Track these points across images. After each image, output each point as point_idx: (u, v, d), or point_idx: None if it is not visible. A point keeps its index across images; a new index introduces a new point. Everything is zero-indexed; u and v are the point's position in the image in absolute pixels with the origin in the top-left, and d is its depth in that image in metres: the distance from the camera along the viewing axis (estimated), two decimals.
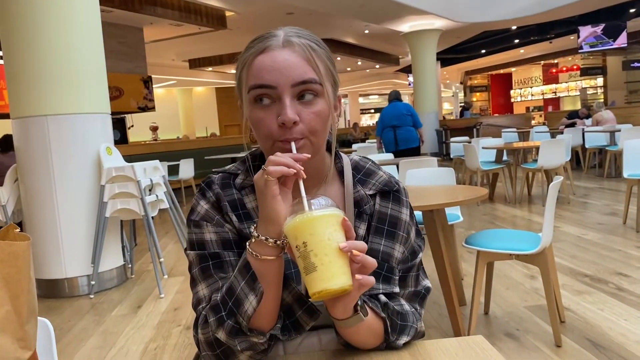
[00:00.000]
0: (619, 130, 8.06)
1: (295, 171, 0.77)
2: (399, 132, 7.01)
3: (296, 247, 0.75)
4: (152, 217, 4.02)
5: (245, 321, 0.83)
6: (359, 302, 0.83)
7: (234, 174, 0.98)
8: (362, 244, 0.77)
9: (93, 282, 3.99)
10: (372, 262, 0.77)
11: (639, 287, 3.29)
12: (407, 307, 0.95)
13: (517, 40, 17.46)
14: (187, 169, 8.89)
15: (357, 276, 0.75)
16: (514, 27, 15.87)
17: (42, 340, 0.98)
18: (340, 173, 1.00)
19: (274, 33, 0.89)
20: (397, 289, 0.95)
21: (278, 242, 0.80)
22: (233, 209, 0.94)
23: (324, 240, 0.74)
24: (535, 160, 6.52)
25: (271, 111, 0.86)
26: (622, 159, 4.98)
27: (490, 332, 2.81)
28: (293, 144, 0.84)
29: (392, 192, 0.99)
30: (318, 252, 0.74)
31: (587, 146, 8.98)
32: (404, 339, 0.92)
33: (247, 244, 0.82)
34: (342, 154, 1.01)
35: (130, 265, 4.50)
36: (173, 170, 8.50)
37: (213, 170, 1.01)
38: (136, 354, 2.88)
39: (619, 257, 3.98)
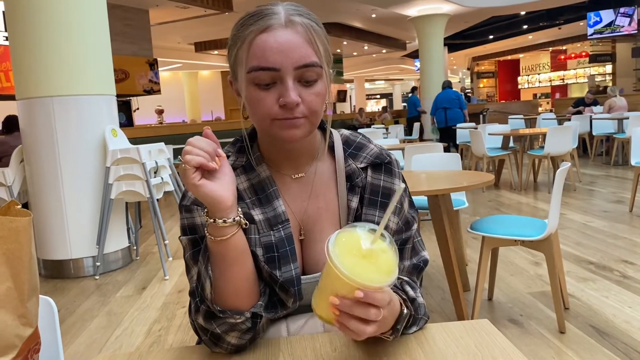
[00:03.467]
0: (627, 118, 8.00)
1: (215, 167, 0.78)
2: (448, 113, 9.26)
3: (325, 263, 0.72)
4: (157, 200, 4.03)
5: (210, 305, 0.83)
6: (398, 325, 0.82)
7: (226, 155, 0.97)
8: (381, 299, 0.72)
9: (98, 264, 4.01)
10: (376, 314, 0.72)
11: None
12: (421, 298, 0.94)
13: (525, 26, 17.27)
14: None
15: (335, 325, 0.72)
16: (523, 13, 15.69)
17: (46, 319, 0.99)
18: (331, 148, 0.99)
19: (274, 10, 0.86)
20: None
21: (227, 220, 0.80)
22: None
23: (335, 284, 0.70)
24: (542, 147, 6.47)
25: (272, 92, 0.85)
26: (630, 147, 4.93)
27: (493, 318, 2.81)
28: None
29: (383, 164, 0.98)
30: (325, 280, 0.72)
31: (594, 133, 8.91)
32: (413, 329, 0.91)
33: (205, 229, 0.83)
34: (332, 130, 1.01)
35: (135, 247, 4.52)
36: (178, 153, 8.48)
37: None
38: (140, 334, 2.90)
39: (624, 244, 3.97)
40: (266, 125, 0.87)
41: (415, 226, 1.00)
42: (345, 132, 1.03)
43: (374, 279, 0.69)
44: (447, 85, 9.77)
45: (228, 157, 0.96)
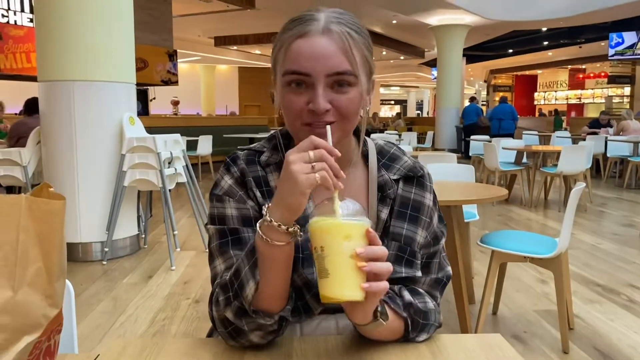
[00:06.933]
0: None
1: (334, 188, 0.75)
2: (502, 123, 11.21)
3: (315, 248, 0.75)
4: (169, 190, 4.05)
5: (247, 305, 0.83)
6: (379, 308, 0.82)
7: (259, 151, 0.97)
8: (382, 251, 0.75)
9: (107, 249, 4.04)
10: (386, 268, 0.75)
11: None
12: (430, 304, 0.95)
13: (546, 42, 17.21)
14: (205, 145, 8.93)
15: (364, 285, 0.73)
16: (544, 29, 15.63)
17: (64, 301, 1.00)
18: (365, 157, 0.99)
19: (315, 16, 0.87)
20: (419, 273, 0.95)
21: (291, 229, 0.78)
22: (257, 185, 0.94)
23: (341, 250, 0.73)
24: (555, 165, 6.44)
25: (303, 95, 0.86)
26: None
27: (497, 332, 2.79)
28: (329, 128, 0.83)
29: (416, 177, 0.99)
30: (333, 260, 0.73)
31: (608, 155, 8.85)
32: (423, 337, 0.92)
33: (258, 226, 0.80)
34: (367, 138, 1.01)
35: (143, 236, 4.54)
36: (191, 146, 8.54)
37: (238, 147, 1.01)
38: (144, 322, 2.92)
39: (633, 269, 3.94)
40: (296, 129, 0.88)
41: (443, 241, 1.01)
42: (380, 141, 1.03)
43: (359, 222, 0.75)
44: (503, 100, 12.15)
45: (262, 152, 0.97)
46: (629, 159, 8.23)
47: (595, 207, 6.60)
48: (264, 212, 0.79)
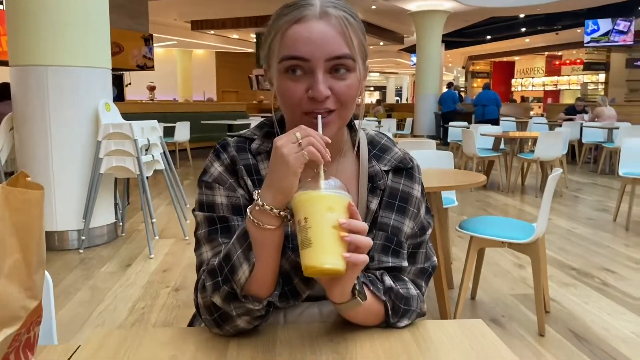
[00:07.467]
0: (617, 128, 8.08)
1: (322, 161, 0.76)
2: (486, 109, 11.36)
3: (298, 220, 0.76)
4: (147, 178, 4.00)
5: (238, 289, 0.83)
6: (357, 287, 0.83)
7: (250, 138, 0.96)
8: (362, 225, 0.77)
9: (83, 237, 3.98)
10: (367, 241, 0.77)
11: (624, 283, 3.34)
12: (413, 290, 0.95)
13: (523, 29, 17.34)
14: (183, 132, 8.83)
15: (345, 255, 0.75)
16: (522, 15, 15.74)
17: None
18: (355, 146, 0.99)
19: (310, 1, 0.86)
20: (405, 263, 0.96)
21: (282, 212, 0.79)
22: (248, 173, 0.93)
23: (324, 219, 0.75)
24: (532, 151, 6.52)
25: (302, 82, 0.85)
26: (618, 157, 4.99)
27: (475, 317, 2.84)
28: (320, 118, 0.83)
29: (405, 169, 0.99)
30: (316, 230, 0.75)
31: (584, 141, 8.99)
32: (404, 322, 0.92)
33: (249, 210, 0.81)
34: (357, 128, 1.00)
35: (121, 224, 4.49)
36: (168, 132, 8.43)
37: (227, 134, 1.00)
38: (123, 311, 2.89)
39: (606, 253, 4.03)
40: (296, 118, 0.86)
41: (429, 231, 1.01)
42: (371, 131, 1.03)
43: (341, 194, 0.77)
44: (487, 87, 12.37)
45: (253, 140, 0.96)
46: (603, 145, 8.38)
47: (571, 192, 6.71)
48: (255, 198, 0.80)
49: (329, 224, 0.75)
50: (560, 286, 3.29)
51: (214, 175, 0.93)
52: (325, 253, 0.74)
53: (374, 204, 0.96)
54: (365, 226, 0.77)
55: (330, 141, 0.78)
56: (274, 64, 0.87)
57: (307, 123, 0.81)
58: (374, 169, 0.97)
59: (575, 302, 3.03)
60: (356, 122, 0.99)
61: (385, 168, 0.98)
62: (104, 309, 2.93)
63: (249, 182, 0.92)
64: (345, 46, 0.84)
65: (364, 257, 0.77)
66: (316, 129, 0.81)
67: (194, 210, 0.95)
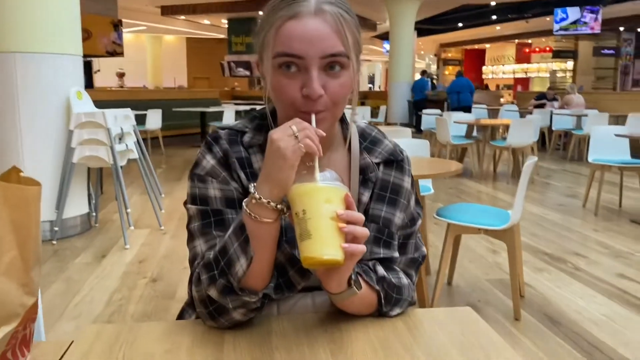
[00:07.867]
0: (586, 115, 8.26)
1: (318, 154, 0.77)
2: (460, 96, 11.39)
3: (296, 213, 0.77)
4: (121, 167, 3.94)
5: (235, 282, 0.83)
6: (353, 277, 0.84)
7: (241, 131, 0.95)
8: (359, 216, 0.78)
9: (56, 228, 3.91)
10: (364, 232, 0.78)
11: (594, 267, 3.44)
12: (404, 280, 0.97)
13: (494, 17, 17.49)
14: (154, 120, 8.68)
15: (344, 245, 0.76)
16: (493, 3, 15.88)
17: None
18: (346, 139, 0.99)
19: None
20: (396, 254, 0.97)
21: (279, 205, 0.79)
22: (241, 167, 0.92)
23: (322, 211, 0.76)
24: (504, 139, 6.63)
25: (296, 80, 0.84)
26: (587, 143, 5.11)
27: (453, 302, 2.90)
28: (313, 116, 0.83)
29: (396, 161, 0.99)
30: (315, 221, 0.75)
31: (553, 128, 9.17)
32: (397, 311, 0.94)
33: (245, 204, 0.81)
34: (348, 121, 1.01)
35: (94, 214, 4.42)
36: (139, 120, 8.23)
37: (217, 126, 0.99)
38: (100, 303, 2.86)
39: (577, 238, 4.14)
40: (290, 114, 0.86)
41: (419, 222, 1.03)
42: (361, 124, 1.03)
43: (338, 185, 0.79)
44: (460, 74, 12.27)
45: (244, 133, 0.95)
46: (572, 132, 8.56)
47: (542, 178, 6.85)
48: (251, 191, 0.79)
49: (327, 216, 0.76)
50: (534, 271, 3.37)
51: (206, 168, 0.92)
52: (324, 244, 0.75)
53: (366, 196, 0.96)
54: (361, 217, 0.78)
55: (324, 134, 0.79)
56: (267, 58, 0.87)
57: (301, 118, 0.81)
58: (365, 161, 0.98)
59: (548, 287, 3.11)
60: (347, 112, 0.99)
61: (377, 160, 0.98)
62: (80, 301, 2.89)
63: (242, 175, 0.92)
64: (340, 44, 0.84)
65: (362, 247, 0.78)
66: (310, 123, 0.81)
67: (185, 202, 0.94)
